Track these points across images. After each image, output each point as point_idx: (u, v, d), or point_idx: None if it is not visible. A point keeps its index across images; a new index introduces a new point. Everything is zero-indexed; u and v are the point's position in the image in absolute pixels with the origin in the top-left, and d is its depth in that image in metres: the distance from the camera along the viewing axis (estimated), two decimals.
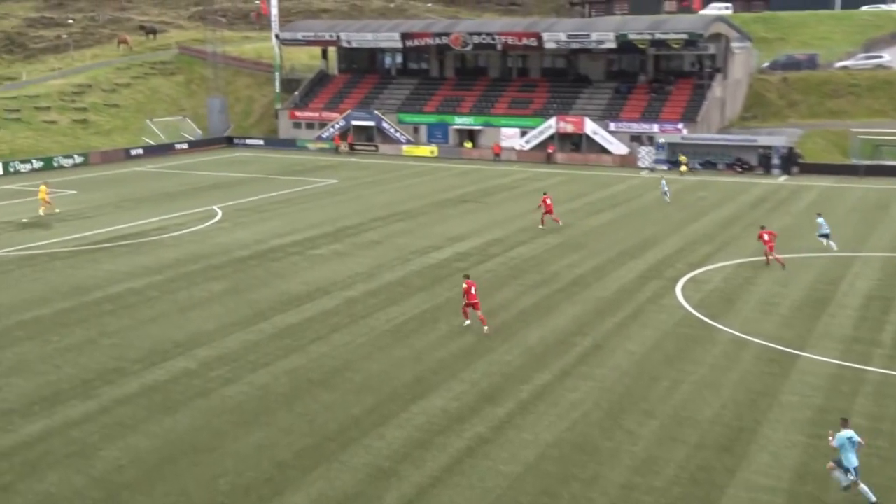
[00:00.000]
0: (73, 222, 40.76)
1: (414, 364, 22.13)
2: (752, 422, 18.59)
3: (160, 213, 43.03)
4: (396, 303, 27.34)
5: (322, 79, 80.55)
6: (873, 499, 15.04)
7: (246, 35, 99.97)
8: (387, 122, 71.45)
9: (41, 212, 43.49)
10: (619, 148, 63.15)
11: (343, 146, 70.72)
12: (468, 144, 68.94)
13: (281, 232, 38.61)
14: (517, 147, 66.86)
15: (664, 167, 59.54)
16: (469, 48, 70.14)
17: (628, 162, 61.57)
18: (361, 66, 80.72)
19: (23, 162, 58.92)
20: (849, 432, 15.26)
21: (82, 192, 50.23)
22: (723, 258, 32.99)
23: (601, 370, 21.69)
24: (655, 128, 62.56)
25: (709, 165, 59.75)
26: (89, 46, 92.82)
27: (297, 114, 75.75)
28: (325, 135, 72.46)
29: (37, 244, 35.92)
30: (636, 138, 63.22)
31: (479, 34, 68.71)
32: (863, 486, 15.12)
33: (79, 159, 62.74)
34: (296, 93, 78.26)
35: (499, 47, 68.99)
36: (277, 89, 77.90)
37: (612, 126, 64.00)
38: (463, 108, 71.30)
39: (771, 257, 31.22)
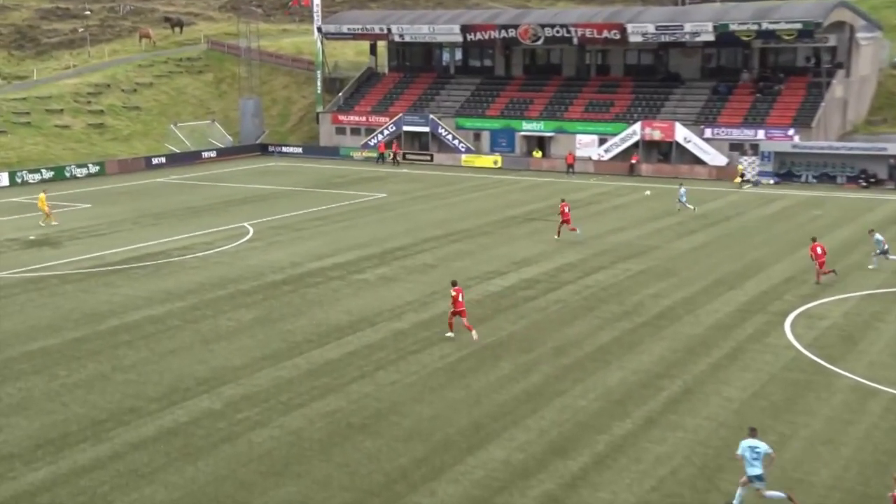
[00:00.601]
0: (86, 240, 42.01)
1: (471, 408, 22.12)
2: (882, 487, 18.04)
3: (184, 230, 44.06)
4: (457, 334, 27.43)
5: (370, 78, 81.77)
6: (784, 495, 17.33)
7: (284, 28, 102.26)
8: (443, 127, 72.06)
9: (41, 223, 45.34)
10: (715, 158, 62.44)
11: (389, 155, 71.40)
12: (537, 154, 69.01)
13: (320, 253, 39.13)
14: (594, 157, 66.66)
15: (771, 181, 58.64)
16: (540, 42, 70.42)
17: (727, 174, 60.80)
18: (415, 63, 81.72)
19: (31, 171, 61.07)
20: (752, 441, 17.24)
21: (97, 205, 51.78)
22: (843, 289, 32.24)
23: (693, 420, 21.36)
24: (760, 134, 61.70)
25: (826, 179, 58.60)
26: (108, 41, 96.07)
27: (341, 118, 76.97)
28: (373, 142, 73.37)
29: (45, 265, 37.11)
30: (736, 147, 62.44)
31: (551, 26, 68.98)
32: (769, 493, 17.28)
33: (94, 169, 64.75)
34: (340, 94, 79.59)
35: (575, 41, 69.13)
36: (319, 90, 79.35)
37: (708, 132, 63.37)
38: (532, 112, 71.49)
39: (822, 274, 32.74)
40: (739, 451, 17.24)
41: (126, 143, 73.73)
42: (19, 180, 59.96)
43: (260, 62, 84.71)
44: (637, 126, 65.22)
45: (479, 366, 25.01)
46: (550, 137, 69.47)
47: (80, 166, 64.23)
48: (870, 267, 34.95)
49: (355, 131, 76.07)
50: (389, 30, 75.52)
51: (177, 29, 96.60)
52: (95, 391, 23.18)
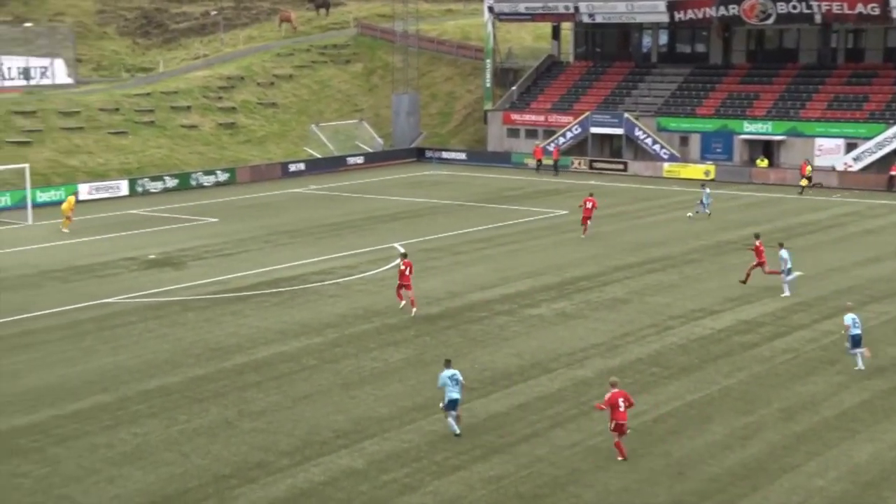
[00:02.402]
0: (212, 261, 44.03)
1: (672, 482, 21.70)
2: None
3: (323, 251, 45.44)
4: (647, 390, 27.16)
5: (551, 68, 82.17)
6: (457, 432, 24.14)
7: (448, 8, 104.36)
8: (641, 129, 71.48)
9: (64, 229, 48.70)
10: None
11: (542, 160, 71.26)
12: (762, 163, 67.28)
13: (484, 282, 39.43)
14: (839, 167, 64.37)
15: None
16: (770, 21, 68.83)
17: None
18: (608, 49, 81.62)
19: (153, 179, 64.69)
20: (450, 371, 24.15)
21: (225, 220, 54.23)
22: None
23: None
24: None
25: None
26: (243, 26, 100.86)
27: (514, 117, 77.65)
28: (552, 146, 73.53)
29: (165, 288, 39.12)
30: None
31: (786, 0, 67.24)
32: (451, 421, 24.14)
33: (223, 176, 67.94)
34: (513, 87, 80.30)
35: (818, 19, 67.17)
36: (488, 83, 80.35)
37: None
38: (757, 110, 69.90)
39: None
40: (440, 383, 24.20)
41: (260, 146, 76.94)
42: (139, 189, 63.61)
43: (418, 50, 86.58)
44: None
45: (682, 427, 24.53)
46: (780, 142, 67.62)
47: (207, 173, 67.53)
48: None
49: (531, 133, 76.49)
50: (577, 8, 75.76)
51: (322, 11, 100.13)
52: (219, 441, 24.17)
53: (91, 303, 36.86)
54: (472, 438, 24.04)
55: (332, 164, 74.35)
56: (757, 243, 38.10)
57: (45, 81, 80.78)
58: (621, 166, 71.26)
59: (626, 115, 72.04)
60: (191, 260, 44.31)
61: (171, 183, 65.39)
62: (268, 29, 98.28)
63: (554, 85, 79.83)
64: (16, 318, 34.90)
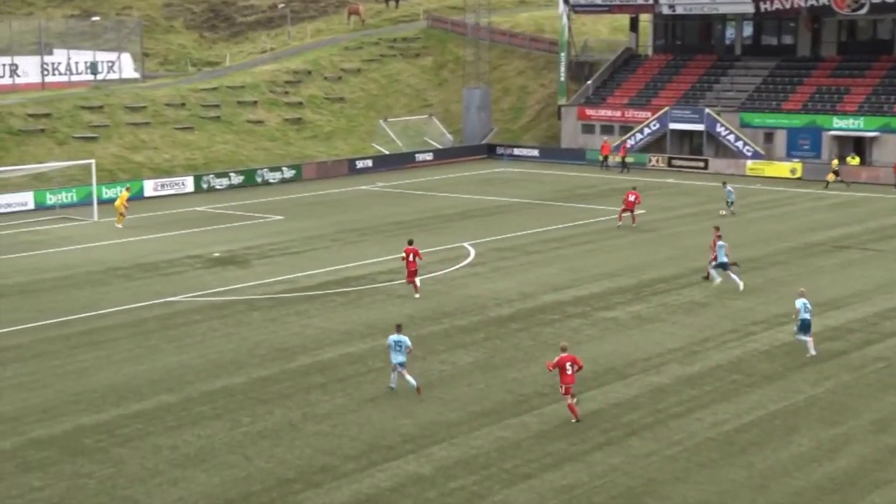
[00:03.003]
0: (277, 259, 44.47)
1: (755, 495, 21.43)
2: None
3: (391, 250, 45.64)
4: (728, 398, 26.90)
5: (629, 61, 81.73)
6: (393, 386, 27.80)
7: None
8: (723, 125, 70.76)
9: (118, 225, 50.19)
10: None
11: (608, 156, 71.09)
12: (853, 160, 66.19)
13: (557, 283, 39.33)
14: None
15: None
16: (864, 11, 67.64)
17: None
18: (689, 41, 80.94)
19: (219, 176, 65.51)
20: (397, 336, 27.42)
21: (291, 218, 54.75)
22: None
23: None
24: None
25: None
26: (311, 19, 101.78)
27: (589, 112, 77.37)
28: (630, 143, 73.08)
29: (230, 287, 39.60)
30: None
31: None
32: (393, 376, 27.85)
33: (289, 173, 68.59)
34: (589, 81, 80.00)
35: None
36: (562, 77, 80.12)
37: None
38: (848, 105, 68.82)
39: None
40: (388, 343, 27.78)
41: (326, 142, 77.54)
42: (205, 185, 64.47)
43: (490, 43, 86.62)
44: None
45: (766, 439, 24.23)
46: (873, 139, 66.51)
47: (273, 170, 68.22)
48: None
49: (606, 129, 76.16)
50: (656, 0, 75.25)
51: (391, 3, 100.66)
52: (283, 443, 24.40)
53: (156, 301, 37.45)
54: (543, 446, 23.98)
55: (400, 161, 74.67)
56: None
57: (112, 76, 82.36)
58: (701, 164, 70.63)
59: (708, 110, 71.32)
60: (256, 258, 44.80)
61: (237, 179, 66.17)
62: (336, 22, 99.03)
63: (631, 79, 79.35)
64: (83, 315, 35.59)
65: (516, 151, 77.78)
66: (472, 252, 45.37)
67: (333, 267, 42.57)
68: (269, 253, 45.85)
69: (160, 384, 28.50)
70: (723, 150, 70.90)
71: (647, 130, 73.29)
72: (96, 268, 43.03)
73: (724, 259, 37.80)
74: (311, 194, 63.08)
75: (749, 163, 68.72)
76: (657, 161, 72.07)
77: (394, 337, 27.66)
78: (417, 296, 37.07)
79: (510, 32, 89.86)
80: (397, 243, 46.90)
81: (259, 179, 67.19)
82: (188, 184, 64.11)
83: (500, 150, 78.22)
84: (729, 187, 53.91)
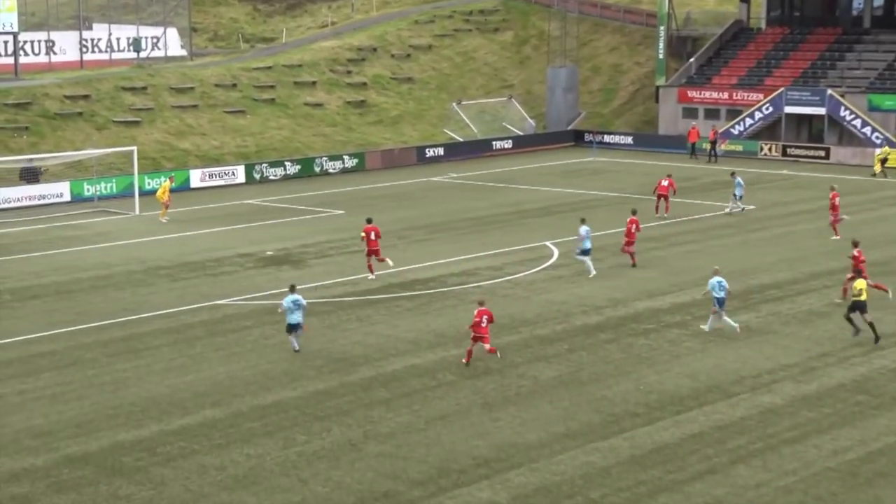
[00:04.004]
0: (337, 259, 44.67)
1: None
2: None
3: (464, 249, 45.60)
4: (851, 422, 26.56)
5: (738, 36, 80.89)
6: (297, 348, 31.80)
7: None
8: (848, 108, 69.70)
9: (162, 219, 51.29)
10: None
11: (697, 143, 70.69)
12: None
13: (652, 288, 39.05)
14: None
15: None
16: None
17: None
18: (809, 13, 79.96)
19: (273, 165, 66.05)
20: (294, 297, 31.48)
21: (352, 212, 54.95)
22: None
23: None
24: None
25: None
26: None
27: (692, 94, 76.74)
28: (738, 130, 72.33)
29: (285, 290, 39.64)
30: None
31: None
32: (293, 339, 31.79)
33: (350, 162, 68.94)
34: (691, 60, 79.37)
35: None
36: (661, 54, 79.50)
37: None
38: None
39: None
40: (283, 307, 31.58)
41: (393, 127, 77.76)
42: (257, 176, 65.03)
43: (579, 15, 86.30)
44: None
45: (894, 469, 23.79)
46: None
47: (333, 158, 68.60)
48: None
49: (711, 113, 75.46)
50: None
51: None
52: (342, 465, 24.48)
53: (202, 304, 37.86)
54: (635, 473, 23.80)
55: (475, 149, 74.66)
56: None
57: (157, 53, 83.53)
58: (822, 153, 69.74)
59: (830, 91, 70.34)
60: (313, 258, 45.05)
61: (293, 169, 66.65)
62: None
63: (741, 56, 78.53)
64: (122, 319, 36.10)
65: (607, 138, 77.44)
66: (556, 252, 45.20)
67: (400, 268, 42.65)
68: (327, 252, 46.09)
69: (206, 397, 28.78)
70: (847, 137, 69.96)
71: (758, 115, 72.48)
72: (137, 267, 43.62)
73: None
74: (374, 186, 63.33)
75: (878, 151, 67.48)
76: (770, 150, 71.23)
77: (291, 297, 31.69)
78: (372, 276, 40.43)
79: (601, 3, 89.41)
80: (471, 242, 46.94)
81: (317, 169, 67.60)
82: (239, 174, 64.71)
83: (588, 137, 77.89)
84: (738, 179, 52.98)
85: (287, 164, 66.89)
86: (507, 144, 76.25)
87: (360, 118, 77.80)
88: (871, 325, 32.09)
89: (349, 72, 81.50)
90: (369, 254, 40.60)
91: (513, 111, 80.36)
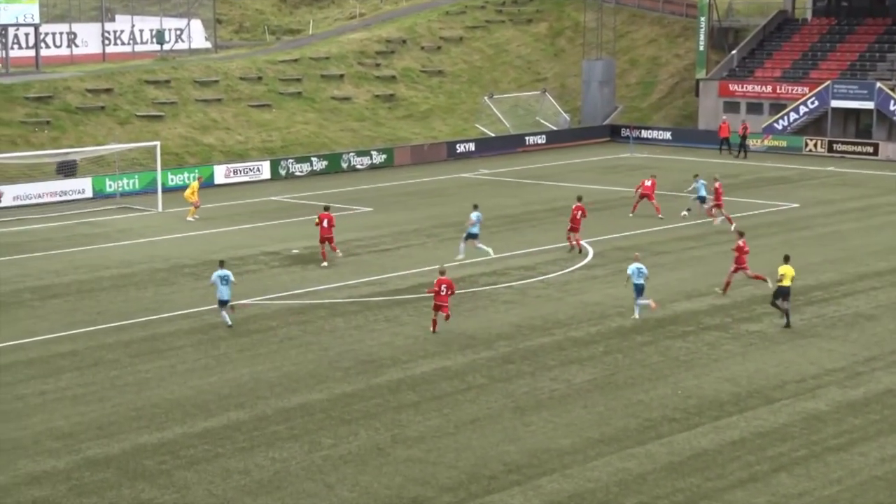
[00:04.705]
0: (365, 257, 44.79)
1: None
2: None
3: (496, 248, 45.57)
4: None
5: (782, 27, 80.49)
6: (230, 323, 34.48)
7: None
8: None
9: (190, 217, 51.64)
10: None
11: (728, 138, 70.51)
12: None
13: (690, 289, 38.99)
14: None
15: None
16: None
17: None
18: (858, 2, 79.36)
19: (299, 160, 66.25)
20: (222, 272, 34.15)
21: (380, 210, 55.10)
22: None
23: None
24: None
25: None
26: None
27: (733, 87, 76.49)
28: (781, 125, 72.00)
29: (310, 289, 40.03)
30: None
31: None
32: (224, 314, 34.46)
33: (379, 158, 69.08)
34: (733, 52, 79.09)
35: None
36: (702, 46, 79.22)
37: None
38: None
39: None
40: (210, 281, 34.94)
41: (422, 122, 77.83)
42: (283, 172, 65.24)
43: (616, 6, 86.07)
44: None
45: None
46: None
47: (360, 154, 68.74)
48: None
49: (754, 108, 75.16)
50: None
51: None
52: (369, 470, 24.57)
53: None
54: (672, 480, 23.78)
55: (507, 144, 74.68)
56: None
57: (181, 46, 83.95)
58: (870, 149, 69.40)
59: (879, 84, 70.03)
60: (340, 256, 45.16)
61: (319, 165, 66.81)
62: None
63: (785, 48, 78.15)
64: (145, 319, 36.32)
65: (644, 134, 77.31)
66: (591, 251, 45.18)
67: (429, 267, 42.70)
68: (355, 250, 46.20)
69: (230, 399, 28.94)
70: None
71: (803, 109, 72.15)
72: (160, 265, 43.88)
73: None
74: (404, 182, 63.43)
75: None
76: (815, 146, 70.89)
77: (219, 272, 34.42)
78: (324, 264, 42.69)
79: None
80: (503, 241, 46.94)
81: (345, 165, 67.75)
82: (264, 169, 64.94)
83: (625, 133, 77.73)
84: (700, 181, 51.70)
85: (314, 159, 67.05)
86: (541, 140, 76.18)
87: (389, 112, 77.91)
88: (786, 311, 34.33)
89: (378, 64, 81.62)
90: (322, 241, 42.87)
91: (546, 105, 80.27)
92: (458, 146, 72.67)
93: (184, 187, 54.98)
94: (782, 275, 34.13)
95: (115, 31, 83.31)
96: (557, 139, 76.81)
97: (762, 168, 65.25)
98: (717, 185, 49.50)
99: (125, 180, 59.55)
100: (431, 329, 34.00)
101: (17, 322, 36.13)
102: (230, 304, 34.60)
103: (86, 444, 25.94)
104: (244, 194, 59.74)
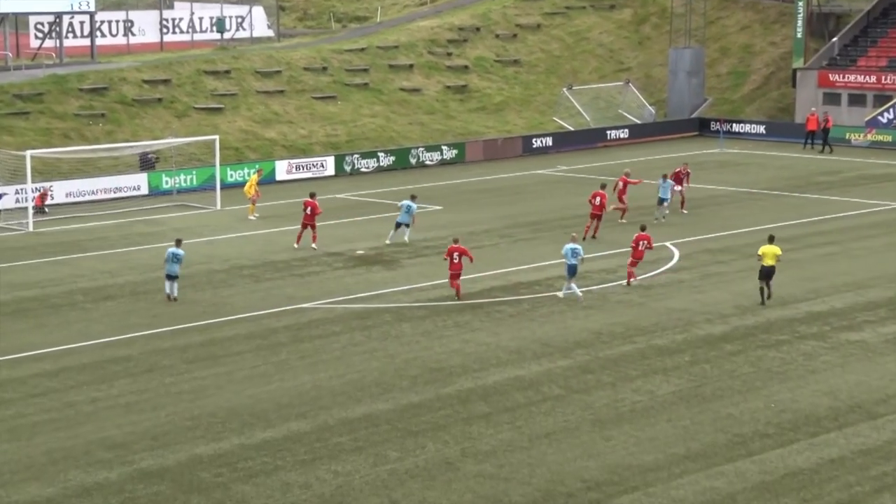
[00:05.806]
0: (433, 259, 44.68)
1: None
2: None
3: None
4: None
5: (888, 12, 79.64)
6: (175, 295, 38.74)
7: None
8: None
9: (251, 216, 52.30)
10: None
11: (815, 131, 70.01)
12: None
13: (787, 295, 38.57)
14: None
15: None
16: None
17: None
18: None
19: (365, 156, 66.44)
20: (176, 250, 38.35)
21: (450, 208, 55.11)
22: None
23: None
24: None
25: None
26: None
27: (833, 78, 75.69)
28: (887, 118, 71.13)
29: (376, 293, 40.11)
30: None
31: None
32: (172, 286, 38.88)
33: (449, 153, 69.09)
34: (834, 39, 78.17)
35: None
36: (799, 33, 78.38)
37: None
38: None
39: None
40: (166, 255, 38.43)
41: (497, 115, 77.71)
42: (348, 168, 65.48)
43: None
44: None
45: None
46: None
47: (430, 149, 68.80)
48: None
49: (856, 99, 74.37)
50: None
51: None
52: (437, 486, 24.52)
53: (287, 307, 38.20)
54: (765, 500, 23.56)
55: (587, 139, 74.42)
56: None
57: (242, 34, 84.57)
58: None
59: None
60: (407, 258, 45.21)
61: (387, 161, 66.97)
62: None
63: (891, 35, 77.28)
64: (202, 323, 36.62)
65: (736, 128, 76.73)
66: (677, 254, 44.89)
67: (502, 270, 42.63)
68: (423, 251, 46.23)
69: (291, 409, 29.03)
70: None
71: None
72: (218, 266, 44.19)
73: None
74: (476, 179, 63.42)
75: None
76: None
77: (172, 249, 38.47)
78: (296, 245, 46.00)
79: None
80: (581, 242, 46.65)
81: (413, 160, 67.88)
82: (328, 165, 65.22)
83: (715, 127, 77.11)
84: (669, 181, 51.43)
85: (380, 154, 67.21)
86: (624, 134, 75.84)
87: (461, 105, 77.88)
88: (762, 290, 37.29)
89: (449, 54, 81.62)
90: (304, 226, 46.19)
91: (630, 97, 79.85)
92: (534, 141, 72.54)
93: (243, 184, 55.14)
94: (762, 254, 36.81)
95: (173, 19, 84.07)
96: (641, 133, 76.41)
97: (864, 165, 64.43)
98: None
99: (182, 176, 60.03)
100: (457, 297, 37.84)
101: (68, 325, 36.56)
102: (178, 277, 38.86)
103: (139, 455, 26.12)
104: (307, 191, 59.78)
